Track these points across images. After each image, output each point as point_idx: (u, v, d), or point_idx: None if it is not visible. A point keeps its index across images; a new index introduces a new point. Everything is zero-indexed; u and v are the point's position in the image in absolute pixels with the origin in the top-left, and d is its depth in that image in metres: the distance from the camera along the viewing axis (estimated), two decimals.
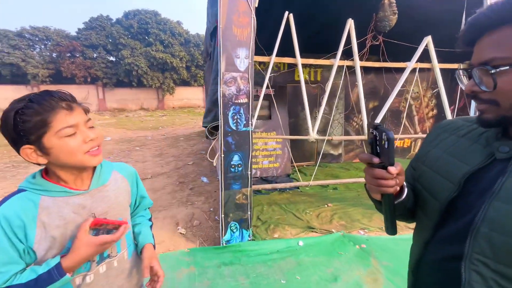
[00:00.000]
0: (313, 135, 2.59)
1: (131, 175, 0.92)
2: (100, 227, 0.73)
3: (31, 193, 0.70)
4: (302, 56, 2.60)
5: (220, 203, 2.33)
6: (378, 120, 2.87)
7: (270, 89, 3.26)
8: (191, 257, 2.33)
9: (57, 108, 0.67)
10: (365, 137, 2.77)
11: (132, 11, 24.63)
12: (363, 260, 2.30)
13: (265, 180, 4.58)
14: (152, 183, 4.39)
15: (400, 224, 2.66)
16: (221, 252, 2.35)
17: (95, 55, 23.12)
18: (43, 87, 22.02)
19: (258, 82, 3.77)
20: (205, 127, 2.57)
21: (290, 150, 4.77)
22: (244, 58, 2.14)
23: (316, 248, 2.46)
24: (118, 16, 24.37)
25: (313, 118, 5.26)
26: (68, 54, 22.40)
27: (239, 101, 2.21)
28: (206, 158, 5.91)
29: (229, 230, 2.40)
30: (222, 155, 2.24)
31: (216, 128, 2.62)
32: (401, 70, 2.94)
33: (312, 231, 2.80)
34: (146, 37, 24.23)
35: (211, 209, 3.37)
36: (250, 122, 2.27)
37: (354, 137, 5.21)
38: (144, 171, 5.10)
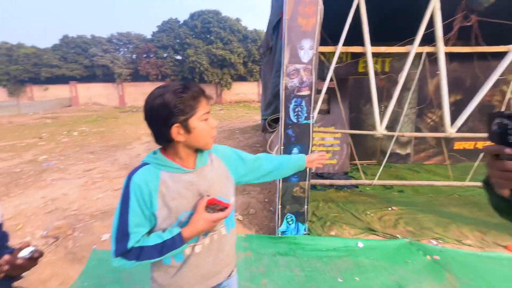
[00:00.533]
0: (380, 130, 2.38)
1: (224, 154, 0.98)
2: (213, 206, 0.83)
3: (153, 167, 0.81)
4: (371, 45, 2.38)
5: (278, 194, 2.37)
6: (463, 116, 2.45)
7: (332, 81, 3.11)
8: (247, 242, 2.45)
9: (201, 97, 0.80)
10: (444, 134, 2.40)
11: (196, 12, 26.46)
12: (436, 273, 2.04)
13: (320, 176, 4.43)
14: None
15: (487, 240, 2.27)
16: (276, 242, 2.40)
17: (165, 54, 25.85)
18: (126, 84, 25.84)
19: (318, 75, 3.64)
20: (265, 119, 2.62)
21: (350, 146, 4.50)
22: (308, 49, 2.10)
23: (378, 252, 2.29)
24: (185, 18, 26.41)
25: (379, 112, 4.83)
26: (144, 55, 25.62)
27: (301, 94, 2.18)
28: (260, 151, 6.05)
29: (285, 221, 2.42)
30: (282, 147, 2.26)
31: (275, 121, 2.65)
32: (498, 56, 2.43)
33: (372, 234, 2.61)
34: (208, 36, 25.83)
35: (266, 200, 3.45)
36: (311, 115, 2.22)
37: (432, 134, 4.56)
38: None
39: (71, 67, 25.23)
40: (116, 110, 20.20)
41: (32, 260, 0.75)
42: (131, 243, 0.75)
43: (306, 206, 2.42)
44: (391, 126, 4.48)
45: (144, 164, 0.83)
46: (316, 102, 2.31)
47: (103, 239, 2.59)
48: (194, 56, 24.09)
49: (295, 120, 2.23)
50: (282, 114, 2.21)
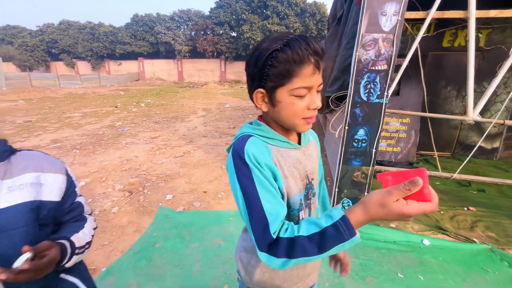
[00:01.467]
0: (472, 115, 1.99)
1: (317, 140, 0.84)
2: None
3: (258, 139, 0.64)
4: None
5: (336, 176, 2.25)
6: None
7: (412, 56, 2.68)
8: None
9: (306, 63, 0.56)
10: None
11: None
12: None
13: (379, 164, 4.07)
14: None
15: None
16: None
17: (221, 31, 26.25)
18: (184, 61, 27.42)
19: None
20: (328, 96, 2.44)
21: (418, 134, 3.98)
22: (392, 15, 1.80)
23: (449, 254, 2.03)
24: None
25: (461, 96, 4.08)
26: (202, 32, 26.46)
27: (377, 68, 1.93)
28: (316, 130, 5.83)
29: (340, 205, 2.30)
30: (346, 127, 2.09)
31: (340, 99, 2.45)
32: None
33: (442, 233, 2.31)
34: (264, 11, 25.09)
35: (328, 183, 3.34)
36: (385, 94, 1.97)
37: None
38: None
39: (140, 44, 27.77)
40: (175, 85, 21.76)
41: (29, 272, 0.56)
42: (273, 228, 0.54)
43: (366, 193, 2.24)
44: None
45: (247, 136, 0.64)
46: (392, 80, 2.03)
47: (167, 198, 2.89)
48: (249, 32, 23.89)
49: (365, 98, 2.01)
50: (350, 91, 2.01)
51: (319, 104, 0.61)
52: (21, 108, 9.46)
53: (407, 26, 2.17)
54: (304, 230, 0.53)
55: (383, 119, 2.03)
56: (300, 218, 0.70)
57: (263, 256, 0.55)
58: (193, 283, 1.72)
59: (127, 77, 26.07)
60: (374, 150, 2.11)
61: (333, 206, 2.32)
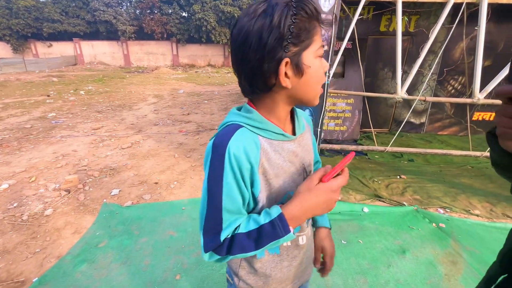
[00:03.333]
0: (401, 93, 2.20)
1: (310, 122, 0.75)
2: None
3: (248, 130, 0.55)
4: None
5: None
6: (494, 83, 2.22)
7: (349, 41, 2.83)
8: None
9: (316, 21, 0.50)
10: (471, 100, 2.21)
11: None
12: (440, 240, 2.05)
13: (328, 143, 4.35)
14: None
15: (496, 211, 2.22)
16: None
17: (170, 11, 24.28)
18: (130, 43, 24.87)
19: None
20: None
21: (361, 113, 4.33)
22: None
23: (383, 218, 2.29)
24: None
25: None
26: (148, 11, 24.12)
27: None
28: None
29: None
30: None
31: None
32: None
33: (379, 200, 2.60)
34: None
35: None
36: (327, 74, 2.05)
37: (458, 100, 4.32)
38: (212, 123, 5.46)
39: (73, 23, 24.18)
40: (122, 70, 19.79)
41: None
42: (224, 235, 0.53)
43: None
44: (408, 93, 4.24)
45: (236, 126, 0.55)
46: (333, 61, 2.11)
47: (113, 193, 2.66)
48: (201, 13, 22.61)
49: None
50: None
51: (327, 66, 0.57)
52: None
53: (345, 8, 2.26)
54: (243, 227, 0.54)
55: (326, 99, 2.12)
56: None
57: (206, 256, 0.55)
58: (141, 279, 1.64)
59: (61, 61, 22.69)
60: (319, 130, 2.22)
61: None
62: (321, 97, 2.12)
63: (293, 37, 0.48)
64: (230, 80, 15.10)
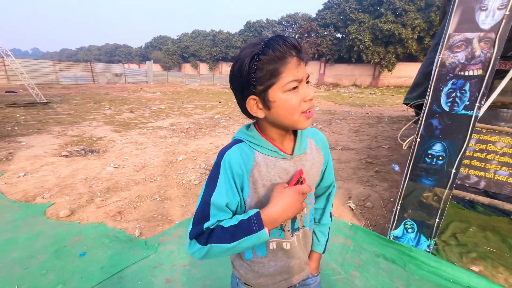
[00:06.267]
0: None
1: (324, 145, 0.81)
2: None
3: (247, 145, 0.67)
4: None
5: (400, 192, 2.01)
6: None
7: None
8: (351, 231, 2.32)
9: (288, 57, 0.58)
10: None
11: None
12: None
13: (491, 197, 3.18)
14: (339, 155, 4.59)
15: None
16: (385, 244, 2.12)
17: (325, 33, 25.74)
18: None
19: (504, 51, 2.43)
20: (407, 104, 2.18)
21: None
22: (495, 9, 1.47)
23: None
24: None
25: None
26: (306, 35, 26.78)
27: (467, 73, 1.61)
28: (404, 146, 5.07)
29: (402, 226, 2.06)
30: (418, 139, 1.84)
31: (421, 107, 2.14)
32: None
33: None
34: (378, 8, 22.85)
35: (391, 199, 2.99)
36: (476, 105, 1.62)
37: None
38: (336, 142, 5.40)
39: None
40: None
41: None
42: (208, 224, 0.62)
43: (437, 220, 1.91)
44: None
45: (237, 141, 0.69)
46: (492, 89, 1.64)
47: None
48: (356, 33, 22.40)
49: (447, 108, 1.71)
50: (428, 98, 1.76)
51: (312, 94, 0.61)
52: (158, 98, 12.57)
53: None
54: (226, 222, 0.63)
55: (470, 135, 1.67)
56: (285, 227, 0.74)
57: (191, 244, 0.63)
58: None
59: None
60: (454, 171, 1.77)
61: (392, 225, 2.10)
62: (463, 132, 1.69)
63: (255, 80, 0.58)
64: (373, 102, 14.01)
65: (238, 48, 30.96)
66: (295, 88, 0.60)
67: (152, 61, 24.02)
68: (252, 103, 0.62)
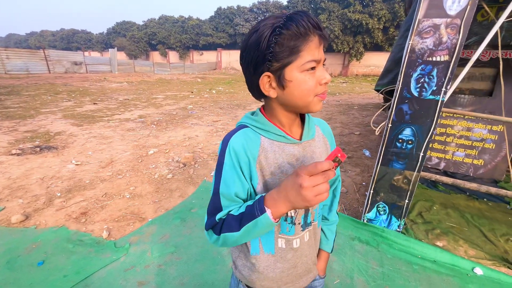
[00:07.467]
0: None
1: (329, 134, 0.78)
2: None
3: (252, 130, 0.64)
4: None
5: (373, 177, 2.08)
6: None
7: (499, 50, 2.17)
8: None
9: (311, 35, 0.53)
10: None
11: None
12: None
13: (450, 176, 3.46)
14: None
15: None
16: (359, 227, 2.19)
17: None
18: None
19: (473, 40, 2.61)
20: (378, 90, 2.23)
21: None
22: None
23: None
24: None
25: None
26: None
27: (434, 59, 1.66)
28: (376, 131, 5.31)
29: (375, 209, 2.14)
30: (390, 125, 1.89)
31: (392, 93, 2.20)
32: None
33: (506, 266, 1.88)
34: None
35: (364, 183, 3.11)
36: (443, 90, 1.69)
37: None
38: None
39: (220, 36, 29.97)
40: None
41: None
42: (220, 216, 0.61)
43: (407, 201, 2.00)
44: None
45: (242, 126, 0.65)
46: (456, 75, 1.71)
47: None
48: (326, 22, 22.71)
49: (416, 94, 1.77)
50: (398, 84, 1.80)
51: (329, 77, 0.57)
52: (124, 89, 11.74)
53: (487, 9, 1.75)
54: (235, 210, 0.60)
55: (437, 119, 1.75)
56: (291, 216, 0.67)
57: (206, 235, 0.63)
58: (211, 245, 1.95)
59: (206, 66, 28.78)
60: (422, 154, 1.86)
61: (366, 208, 2.17)
62: (430, 116, 1.76)
63: (273, 55, 0.53)
64: (343, 90, 14.46)
65: (210, 36, 29.89)
66: (312, 68, 0.56)
67: (116, 48, 22.20)
68: (266, 80, 0.57)
